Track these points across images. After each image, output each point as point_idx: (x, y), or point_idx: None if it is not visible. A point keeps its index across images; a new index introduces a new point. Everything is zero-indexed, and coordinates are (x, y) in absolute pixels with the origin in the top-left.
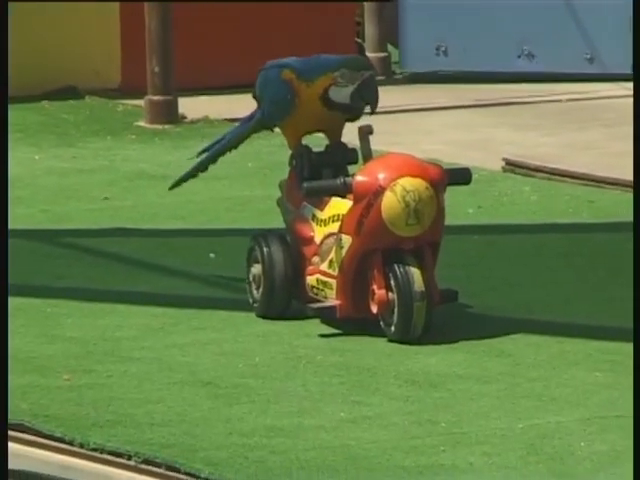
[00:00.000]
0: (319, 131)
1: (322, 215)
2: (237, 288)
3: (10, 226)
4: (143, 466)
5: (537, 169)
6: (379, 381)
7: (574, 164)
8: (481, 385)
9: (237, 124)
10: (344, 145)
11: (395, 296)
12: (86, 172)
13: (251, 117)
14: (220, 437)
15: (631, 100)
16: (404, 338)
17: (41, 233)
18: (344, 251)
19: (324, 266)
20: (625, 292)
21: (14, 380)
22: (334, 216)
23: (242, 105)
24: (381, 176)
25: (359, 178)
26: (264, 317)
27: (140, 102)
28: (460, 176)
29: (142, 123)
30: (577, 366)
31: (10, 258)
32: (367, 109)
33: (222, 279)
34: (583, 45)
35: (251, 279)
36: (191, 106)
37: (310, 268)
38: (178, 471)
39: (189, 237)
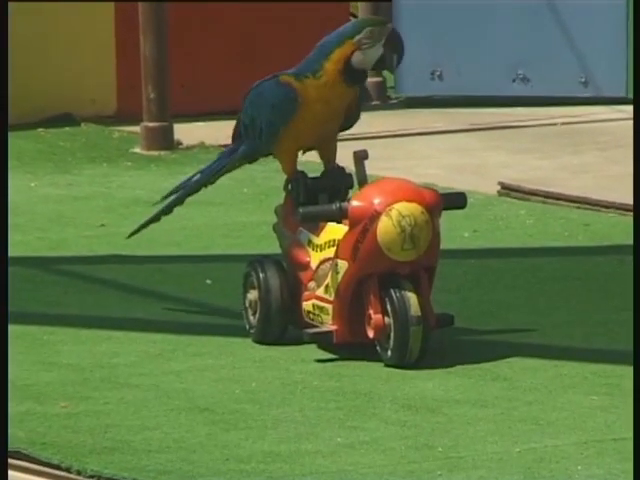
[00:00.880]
0: (315, 146)
1: (318, 240)
2: (233, 314)
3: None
4: None
5: (532, 193)
6: (376, 406)
7: (569, 187)
8: (478, 409)
9: (209, 162)
10: (340, 169)
11: (391, 321)
12: (82, 199)
13: (233, 151)
14: (217, 463)
15: (625, 123)
16: (401, 363)
17: (37, 260)
18: (340, 276)
19: (320, 291)
20: (621, 315)
21: (11, 408)
22: (330, 241)
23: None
24: (377, 201)
25: (354, 203)
26: (261, 343)
27: (136, 129)
28: (456, 200)
29: (138, 150)
30: (574, 389)
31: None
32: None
33: (218, 305)
34: (578, 69)
35: (247, 305)
36: (187, 132)
37: (306, 293)
38: None
39: (185, 263)
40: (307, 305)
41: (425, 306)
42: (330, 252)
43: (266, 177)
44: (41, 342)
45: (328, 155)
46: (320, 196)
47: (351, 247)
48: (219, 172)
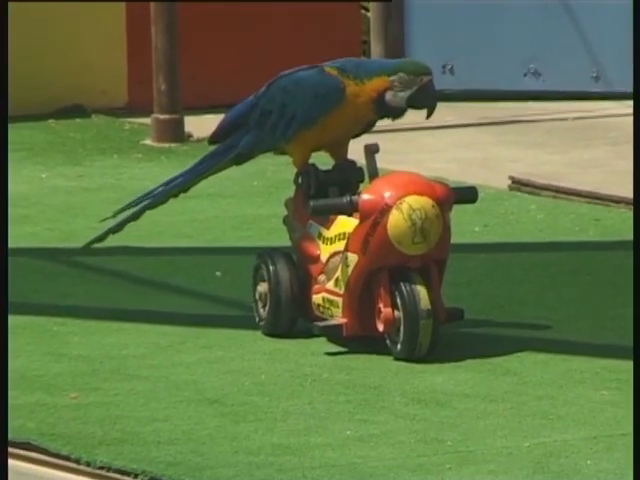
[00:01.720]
0: (331, 147)
1: (328, 233)
2: (243, 306)
3: (16, 244)
4: None
5: (543, 187)
6: (385, 399)
7: (580, 182)
8: (487, 403)
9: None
10: (351, 163)
11: (401, 314)
12: (92, 190)
13: (229, 147)
14: (226, 455)
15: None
16: (410, 356)
17: (47, 251)
18: (350, 269)
19: (330, 284)
20: (631, 310)
21: (21, 399)
22: (340, 234)
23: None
24: (387, 194)
25: (365, 196)
26: (270, 335)
27: (147, 120)
28: (466, 195)
29: (149, 142)
30: (583, 384)
31: (16, 276)
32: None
33: (228, 297)
34: (589, 63)
35: (257, 297)
36: (197, 124)
37: (316, 286)
38: None
39: (195, 255)
40: (317, 298)
41: (435, 300)
42: (340, 245)
43: (276, 170)
44: (51, 333)
45: (339, 155)
46: (331, 189)
47: (361, 240)
48: (205, 173)
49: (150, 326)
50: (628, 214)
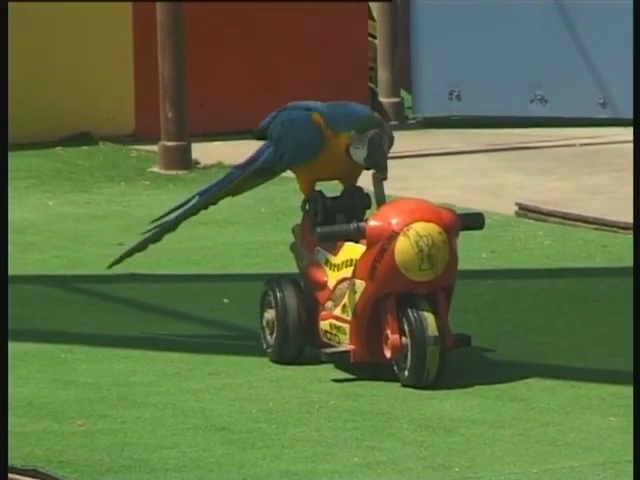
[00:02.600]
0: (336, 179)
1: (335, 260)
2: (251, 333)
3: (24, 272)
4: None
5: (550, 214)
6: (393, 426)
7: (587, 209)
8: (495, 430)
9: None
10: (358, 189)
11: (409, 341)
12: (100, 218)
13: (251, 161)
14: None
15: None
16: (418, 383)
17: (55, 279)
18: (357, 296)
19: (337, 311)
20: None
21: (28, 426)
22: (347, 261)
23: (255, 150)
24: (394, 221)
25: (372, 223)
26: (278, 362)
27: (154, 148)
28: (473, 221)
29: (156, 169)
30: (591, 411)
31: (24, 303)
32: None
33: (236, 324)
34: (596, 90)
35: (264, 324)
36: (205, 152)
37: (323, 313)
38: None
39: (203, 282)
40: (324, 325)
41: (442, 326)
42: (348, 272)
43: (284, 197)
44: (59, 360)
45: (349, 182)
46: (338, 216)
47: (369, 267)
48: (233, 183)
49: (158, 353)
50: None
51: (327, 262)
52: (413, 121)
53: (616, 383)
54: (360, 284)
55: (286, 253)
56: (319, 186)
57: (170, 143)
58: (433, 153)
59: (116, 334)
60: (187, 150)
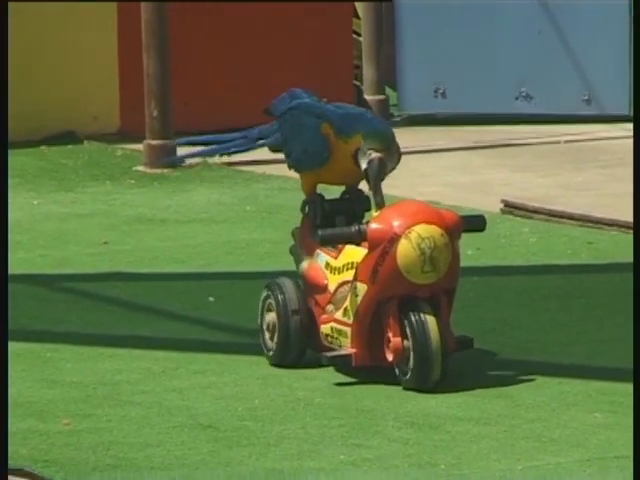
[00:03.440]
0: (340, 184)
1: (336, 263)
2: (236, 331)
3: (9, 271)
4: None
5: (535, 210)
6: (378, 423)
7: (572, 205)
8: (480, 427)
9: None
10: (358, 192)
11: (410, 344)
12: (85, 217)
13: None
14: None
15: (628, 141)
16: (420, 386)
17: (40, 278)
18: (359, 299)
19: (339, 314)
20: (624, 333)
21: (14, 425)
22: (348, 264)
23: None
24: (396, 223)
25: (374, 226)
26: (279, 366)
27: (139, 146)
28: (475, 223)
29: (141, 167)
30: (576, 407)
31: (9, 303)
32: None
33: (221, 323)
34: (581, 86)
35: (265, 327)
36: (190, 150)
37: (324, 316)
38: None
39: (188, 281)
40: (325, 328)
41: (445, 329)
42: (349, 275)
43: (269, 195)
44: (44, 359)
45: (351, 185)
46: (337, 218)
47: (370, 270)
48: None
49: (143, 352)
50: (620, 237)
51: (328, 265)
52: (398, 118)
53: (601, 379)
54: (362, 287)
55: (271, 251)
56: (319, 188)
57: (155, 142)
58: (418, 150)
59: (101, 333)
60: (172, 149)
